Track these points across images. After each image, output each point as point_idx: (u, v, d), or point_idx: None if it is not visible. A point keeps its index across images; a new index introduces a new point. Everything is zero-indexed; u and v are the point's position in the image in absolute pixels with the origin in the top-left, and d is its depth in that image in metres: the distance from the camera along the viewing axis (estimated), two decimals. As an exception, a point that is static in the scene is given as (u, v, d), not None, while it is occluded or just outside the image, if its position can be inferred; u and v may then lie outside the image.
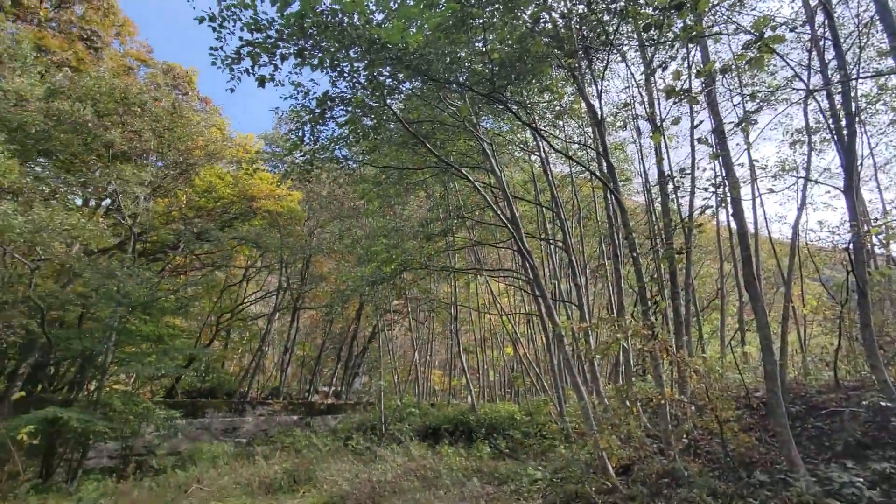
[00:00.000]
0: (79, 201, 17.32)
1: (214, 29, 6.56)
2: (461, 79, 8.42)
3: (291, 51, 6.63)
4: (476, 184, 10.82)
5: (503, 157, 14.20)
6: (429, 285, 20.15)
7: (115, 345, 12.81)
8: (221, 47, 6.85)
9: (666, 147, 10.62)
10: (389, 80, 8.19)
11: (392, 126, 10.39)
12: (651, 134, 9.13)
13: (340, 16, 6.76)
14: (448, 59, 7.90)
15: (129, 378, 17.65)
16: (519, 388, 19.89)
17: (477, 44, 8.05)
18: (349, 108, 8.98)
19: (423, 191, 16.16)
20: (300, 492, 10.55)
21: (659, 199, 9.93)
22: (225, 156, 17.59)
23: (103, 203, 17.40)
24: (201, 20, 6.40)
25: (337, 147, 10.37)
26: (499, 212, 10.80)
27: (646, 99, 9.93)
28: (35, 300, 11.90)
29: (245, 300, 23.70)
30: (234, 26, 6.53)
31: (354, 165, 13.50)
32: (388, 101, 8.97)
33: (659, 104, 10.24)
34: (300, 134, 9.20)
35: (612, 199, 9.55)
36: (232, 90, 7.75)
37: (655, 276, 10.08)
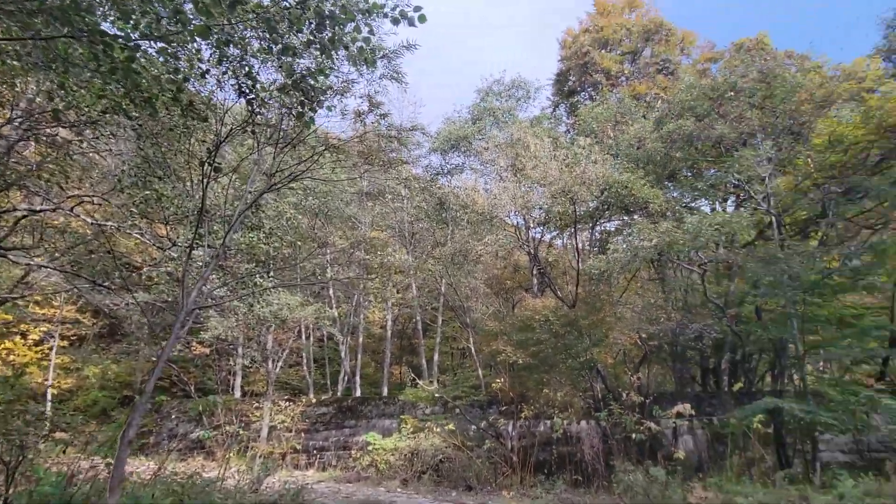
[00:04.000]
0: (707, 209, 18.54)
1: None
2: None
3: None
4: None
5: None
6: None
7: (800, 332, 12.08)
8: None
9: None
10: None
11: None
12: None
13: None
14: None
15: (824, 366, 16.34)
16: None
17: None
18: None
19: None
20: None
21: None
22: (838, 95, 14.54)
23: (728, 201, 17.87)
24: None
25: None
26: None
27: None
28: (712, 300, 13.01)
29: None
30: None
31: None
32: None
33: None
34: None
35: None
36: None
37: None
